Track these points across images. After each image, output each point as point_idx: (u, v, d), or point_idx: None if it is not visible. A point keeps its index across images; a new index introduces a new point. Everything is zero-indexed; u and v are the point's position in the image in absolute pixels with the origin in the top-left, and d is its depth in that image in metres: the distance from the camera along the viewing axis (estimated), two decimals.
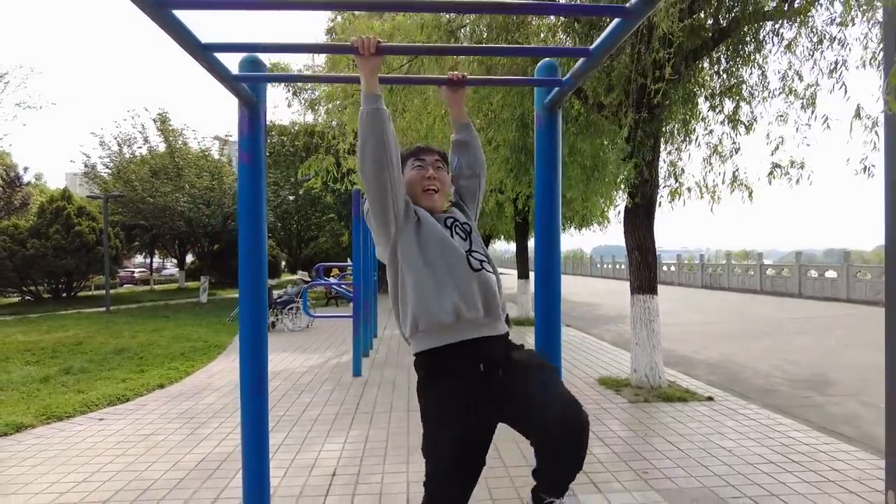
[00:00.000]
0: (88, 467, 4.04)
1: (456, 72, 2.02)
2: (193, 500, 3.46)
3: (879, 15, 4.93)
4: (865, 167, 4.31)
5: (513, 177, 6.77)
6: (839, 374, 7.16)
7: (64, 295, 20.69)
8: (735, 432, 4.68)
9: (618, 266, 36.39)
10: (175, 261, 34.61)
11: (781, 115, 6.22)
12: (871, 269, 17.11)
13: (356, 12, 6.90)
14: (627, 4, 1.55)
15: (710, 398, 5.74)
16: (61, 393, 6.33)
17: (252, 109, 2.31)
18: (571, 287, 26.66)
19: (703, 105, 7.20)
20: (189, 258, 31.64)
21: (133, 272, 36.68)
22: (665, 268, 29.86)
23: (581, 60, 2.01)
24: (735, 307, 16.94)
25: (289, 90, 11.54)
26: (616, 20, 1.70)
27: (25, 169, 27.14)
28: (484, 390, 1.71)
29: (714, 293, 22.69)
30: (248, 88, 2.24)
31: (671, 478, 3.72)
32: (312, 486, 3.62)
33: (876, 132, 4.59)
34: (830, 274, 18.49)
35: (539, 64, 2.34)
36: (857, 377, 7.00)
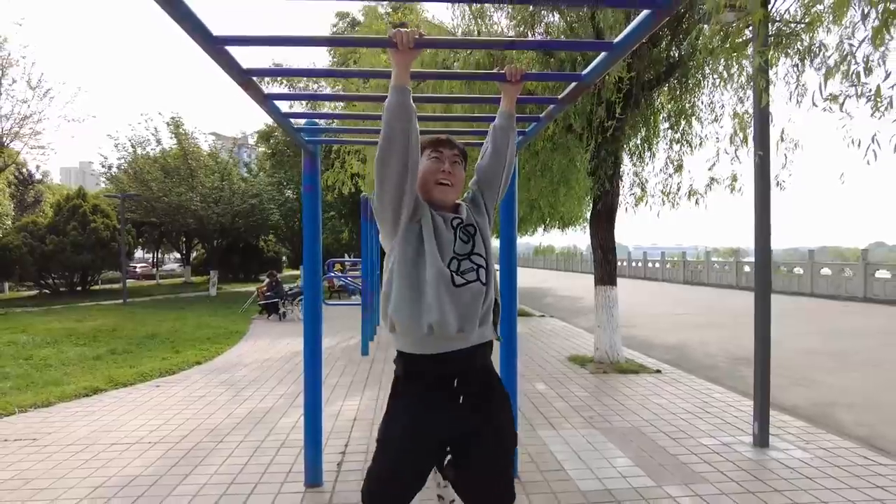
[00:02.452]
0: (163, 416, 5.23)
1: (514, 67, 1.99)
2: (251, 435, 4.66)
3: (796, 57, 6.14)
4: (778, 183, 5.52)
5: None
6: (773, 354, 8.40)
7: (79, 288, 21.81)
8: (670, 394, 5.91)
9: None
10: (179, 256, 35.75)
11: (720, 137, 7.45)
12: (832, 266, 18.46)
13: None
14: (542, 114, 2.75)
15: (658, 371, 6.97)
16: (116, 367, 7.50)
17: (312, 156, 3.50)
18: (562, 282, 27.91)
19: (663, 125, 8.43)
20: (192, 254, 32.75)
21: (135, 267, 37.71)
22: (650, 264, 31.17)
23: (533, 125, 3.18)
24: (708, 300, 18.23)
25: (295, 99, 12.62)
26: (540, 119, 2.90)
27: (37, 167, 28.18)
28: (452, 404, 1.79)
29: (693, 288, 24.00)
30: (310, 144, 3.44)
31: (609, 421, 4.95)
32: (340, 426, 4.84)
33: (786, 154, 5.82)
34: (798, 270, 19.83)
35: None
36: (785, 357, 8.26)
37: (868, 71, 3.06)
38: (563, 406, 5.42)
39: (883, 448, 4.34)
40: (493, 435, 1.84)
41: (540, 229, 15.48)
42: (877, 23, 2.79)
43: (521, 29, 7.63)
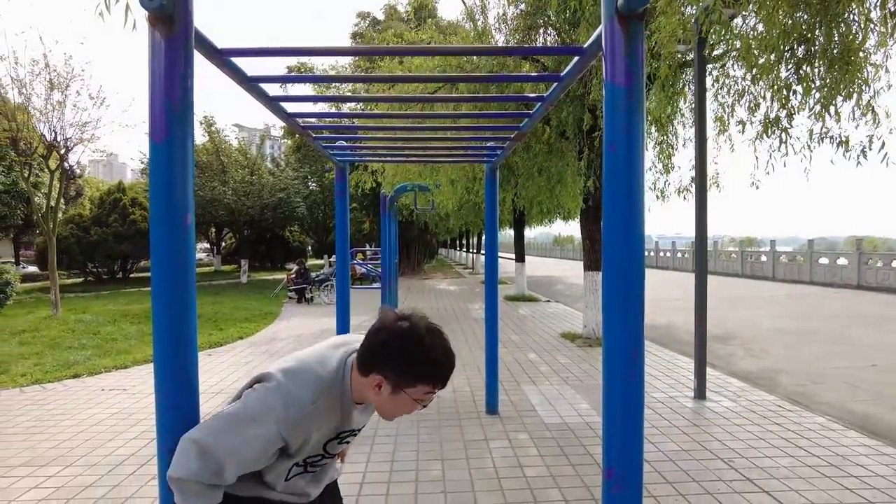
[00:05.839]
0: (219, 376, 6.45)
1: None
2: None
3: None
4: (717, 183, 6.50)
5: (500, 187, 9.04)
6: (745, 333, 9.39)
7: (119, 276, 23.43)
8: None
9: None
10: (207, 245, 37.43)
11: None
12: (829, 255, 19.14)
13: (380, 60, 9.17)
14: (512, 133, 3.81)
15: None
16: None
17: (342, 171, 4.63)
18: (576, 271, 28.80)
19: (651, 127, 9.37)
20: (222, 244, 34.35)
21: None
22: (662, 253, 31.88)
23: (507, 142, 4.24)
24: (710, 287, 19.02)
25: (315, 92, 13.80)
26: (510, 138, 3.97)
27: (78, 162, 29.85)
28: None
29: None
30: (340, 161, 4.56)
31: (581, 380, 6.03)
32: None
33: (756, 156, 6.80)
34: (799, 259, 20.50)
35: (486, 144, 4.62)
36: (755, 335, 9.23)
37: (756, 106, 4.07)
38: (546, 369, 6.52)
39: (800, 402, 5.36)
40: None
41: (561, 220, 16.54)
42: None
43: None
